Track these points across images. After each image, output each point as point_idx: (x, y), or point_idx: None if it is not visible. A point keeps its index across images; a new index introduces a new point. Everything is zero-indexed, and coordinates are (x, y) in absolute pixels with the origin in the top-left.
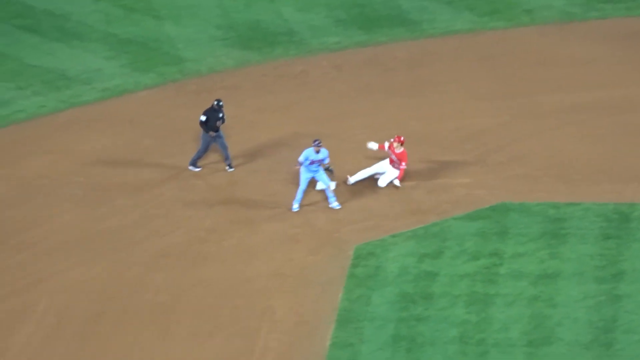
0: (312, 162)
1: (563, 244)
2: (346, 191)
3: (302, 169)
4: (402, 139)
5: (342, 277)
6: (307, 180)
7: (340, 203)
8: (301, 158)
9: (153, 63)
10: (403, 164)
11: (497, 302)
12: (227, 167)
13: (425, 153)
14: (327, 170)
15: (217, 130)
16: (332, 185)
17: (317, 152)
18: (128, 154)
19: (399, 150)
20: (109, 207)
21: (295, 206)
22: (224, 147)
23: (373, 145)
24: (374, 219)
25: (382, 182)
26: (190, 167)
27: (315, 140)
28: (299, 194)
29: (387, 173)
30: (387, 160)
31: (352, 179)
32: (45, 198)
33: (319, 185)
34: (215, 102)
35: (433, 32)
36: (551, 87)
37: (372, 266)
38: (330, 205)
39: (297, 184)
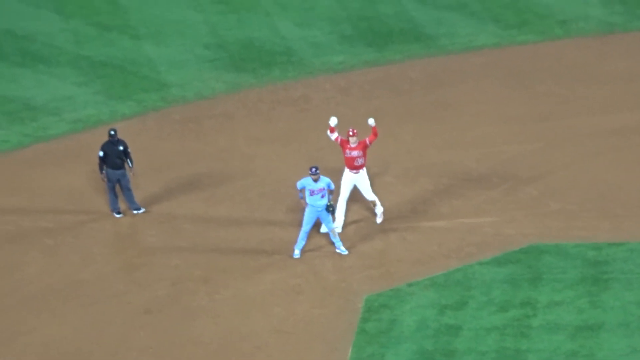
0: (313, 193)
1: (605, 290)
2: (354, 234)
3: (307, 209)
4: (354, 131)
5: (351, 332)
6: (312, 222)
7: (348, 247)
8: (299, 185)
9: (131, 89)
10: (369, 141)
11: None
12: (134, 211)
13: (446, 187)
14: (328, 208)
15: (119, 167)
16: (337, 228)
17: (315, 180)
18: (103, 195)
19: (355, 143)
20: (83, 256)
21: (297, 252)
22: (128, 190)
23: (332, 121)
24: (386, 265)
25: (370, 196)
26: (115, 214)
27: (311, 168)
28: (301, 238)
29: (363, 188)
30: (347, 175)
31: (338, 223)
32: (10, 246)
33: (323, 228)
34: (109, 132)
35: (453, 48)
36: (591, 107)
37: (385, 320)
38: (337, 251)
39: (299, 226)
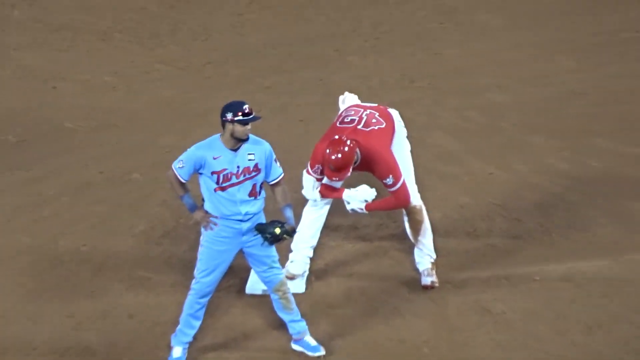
0: (226, 181)
1: None
2: (339, 293)
3: (205, 233)
4: (343, 145)
5: None
6: (222, 266)
7: (322, 338)
8: (182, 162)
9: None
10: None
11: None
12: None
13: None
14: (278, 235)
15: None
16: (298, 283)
17: (241, 143)
18: None
19: (334, 180)
20: None
21: (178, 354)
22: None
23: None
24: None
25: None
26: None
27: (239, 105)
28: (190, 315)
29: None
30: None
31: (297, 269)
32: None
33: (252, 285)
34: None
35: None
36: None
37: None
38: (293, 347)
39: (184, 288)
